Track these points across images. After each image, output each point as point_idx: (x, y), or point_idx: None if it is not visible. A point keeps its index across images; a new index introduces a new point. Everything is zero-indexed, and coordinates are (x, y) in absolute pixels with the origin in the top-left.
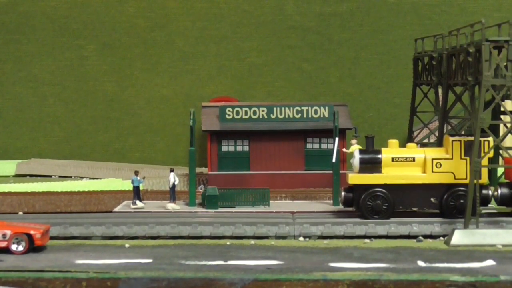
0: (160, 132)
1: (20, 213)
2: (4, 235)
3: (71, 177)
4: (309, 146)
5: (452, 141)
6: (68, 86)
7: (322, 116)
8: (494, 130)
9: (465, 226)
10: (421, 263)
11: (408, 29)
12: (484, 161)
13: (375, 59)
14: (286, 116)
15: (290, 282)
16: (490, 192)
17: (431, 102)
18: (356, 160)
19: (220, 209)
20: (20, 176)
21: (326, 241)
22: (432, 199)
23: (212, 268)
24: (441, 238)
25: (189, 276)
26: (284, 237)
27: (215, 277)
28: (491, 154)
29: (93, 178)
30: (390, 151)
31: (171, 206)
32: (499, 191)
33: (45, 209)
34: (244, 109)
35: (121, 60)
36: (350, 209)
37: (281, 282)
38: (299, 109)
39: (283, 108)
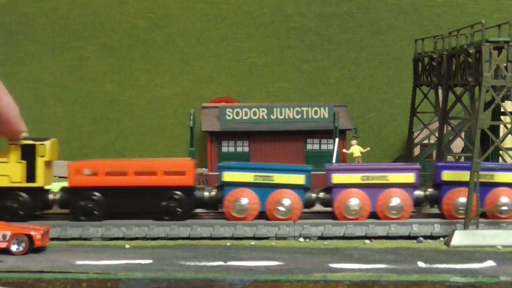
0: (160, 133)
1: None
2: (4, 236)
3: None
4: (309, 146)
5: (10, 144)
6: (68, 87)
7: (322, 116)
8: (494, 131)
9: (465, 227)
10: (421, 264)
11: (408, 29)
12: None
13: (375, 60)
14: (286, 117)
15: (290, 283)
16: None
17: (431, 102)
18: None
19: (220, 210)
20: None
21: (326, 242)
22: None
23: (212, 269)
24: (441, 239)
25: (189, 277)
26: (284, 238)
27: (215, 278)
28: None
29: None
30: None
31: None
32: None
33: None
34: (244, 109)
35: (121, 60)
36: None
37: (281, 283)
38: (299, 109)
39: (283, 109)
